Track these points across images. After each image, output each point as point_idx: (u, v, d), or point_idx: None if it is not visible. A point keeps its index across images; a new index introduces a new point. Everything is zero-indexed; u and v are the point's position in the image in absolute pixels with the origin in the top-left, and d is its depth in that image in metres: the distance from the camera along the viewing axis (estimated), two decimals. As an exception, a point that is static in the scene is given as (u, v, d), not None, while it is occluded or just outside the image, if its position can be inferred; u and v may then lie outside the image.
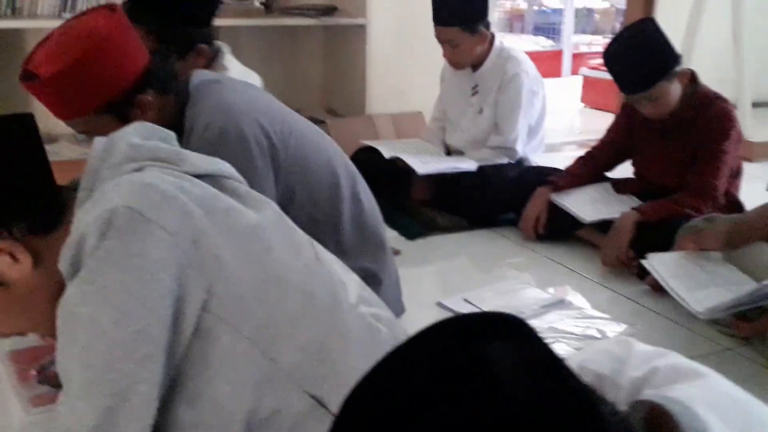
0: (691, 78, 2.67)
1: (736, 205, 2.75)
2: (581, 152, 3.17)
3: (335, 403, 1.24)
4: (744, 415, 0.80)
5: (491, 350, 0.61)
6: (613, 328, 2.29)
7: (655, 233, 2.56)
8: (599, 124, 4.81)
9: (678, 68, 2.60)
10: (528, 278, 2.72)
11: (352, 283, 1.39)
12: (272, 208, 1.34)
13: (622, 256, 2.62)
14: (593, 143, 3.18)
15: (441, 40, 3.19)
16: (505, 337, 0.64)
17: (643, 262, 2.30)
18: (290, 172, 1.85)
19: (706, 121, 2.65)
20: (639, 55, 2.55)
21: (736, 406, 0.81)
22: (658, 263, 2.21)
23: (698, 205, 2.58)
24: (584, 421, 0.61)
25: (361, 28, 3.85)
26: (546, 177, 3.03)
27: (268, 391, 1.22)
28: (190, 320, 1.17)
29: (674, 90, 2.62)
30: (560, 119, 4.98)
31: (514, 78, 3.22)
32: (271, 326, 1.22)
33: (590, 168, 3.02)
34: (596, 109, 5.21)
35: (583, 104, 5.43)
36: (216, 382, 1.19)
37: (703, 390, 0.82)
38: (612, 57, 2.65)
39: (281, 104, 1.97)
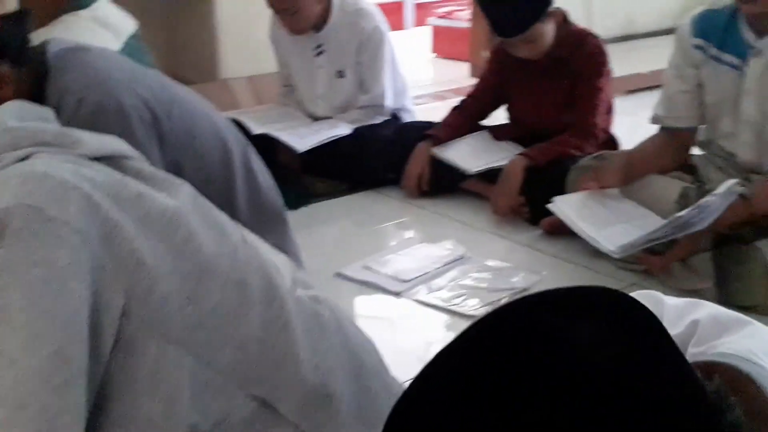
0: (564, 18, 2.65)
1: (611, 141, 2.78)
2: (439, 103, 3.09)
3: (283, 401, 1.10)
4: None
5: (577, 331, 0.52)
6: (521, 277, 2.24)
7: (544, 177, 2.53)
8: (453, 73, 4.80)
9: (551, 8, 2.56)
10: (421, 236, 2.63)
11: (284, 264, 1.23)
12: (185, 188, 1.15)
13: (514, 203, 2.58)
14: (450, 93, 3.10)
15: (278, 8, 2.94)
16: (593, 316, 0.53)
17: (550, 206, 2.26)
18: (176, 144, 1.63)
19: (581, 59, 2.64)
20: (514, -1, 2.49)
21: None
22: (564, 205, 2.18)
23: (582, 145, 2.58)
24: (689, 413, 0.52)
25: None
26: (423, 132, 2.93)
27: (208, 400, 1.05)
28: (110, 332, 0.98)
29: (549, 30, 2.59)
30: (413, 71, 4.89)
31: (374, 33, 3.07)
32: (203, 326, 1.05)
33: (467, 117, 2.95)
34: (448, 58, 5.17)
35: (434, 54, 5.38)
36: (145, 400, 1.01)
37: (756, 340, 0.74)
38: (488, 2, 2.58)
39: (156, 70, 1.75)
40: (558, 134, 2.65)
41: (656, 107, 2.36)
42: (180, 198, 1.10)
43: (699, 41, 2.23)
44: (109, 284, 0.97)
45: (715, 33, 2.20)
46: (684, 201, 2.16)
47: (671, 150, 2.33)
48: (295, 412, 1.10)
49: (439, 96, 4.21)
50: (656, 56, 3.02)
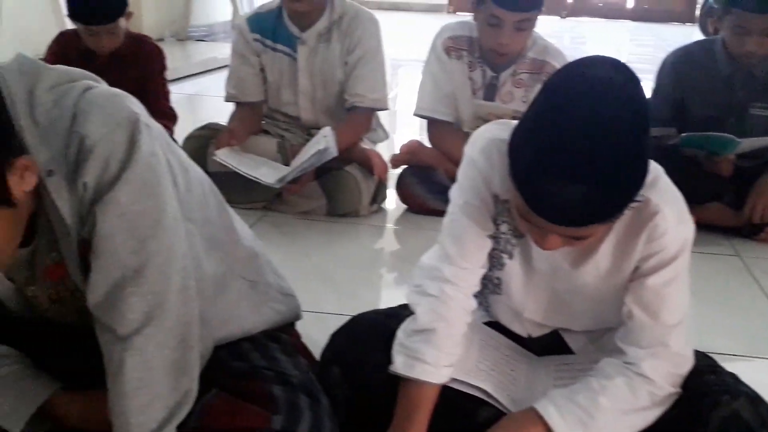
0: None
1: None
2: None
3: (233, 258, 1.51)
4: None
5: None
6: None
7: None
8: None
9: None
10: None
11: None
12: None
13: None
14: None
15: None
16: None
17: (216, 156, 2.73)
18: None
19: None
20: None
21: None
22: (224, 157, 2.70)
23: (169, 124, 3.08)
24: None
25: None
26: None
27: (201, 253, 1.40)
28: None
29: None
30: None
31: None
32: (194, 207, 1.38)
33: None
34: None
35: None
36: None
37: None
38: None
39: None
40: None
41: (228, 88, 3.03)
42: None
43: (256, 36, 2.97)
44: None
45: (268, 29, 2.97)
46: (282, 150, 2.94)
47: (251, 119, 3.04)
48: (242, 268, 1.53)
49: None
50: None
